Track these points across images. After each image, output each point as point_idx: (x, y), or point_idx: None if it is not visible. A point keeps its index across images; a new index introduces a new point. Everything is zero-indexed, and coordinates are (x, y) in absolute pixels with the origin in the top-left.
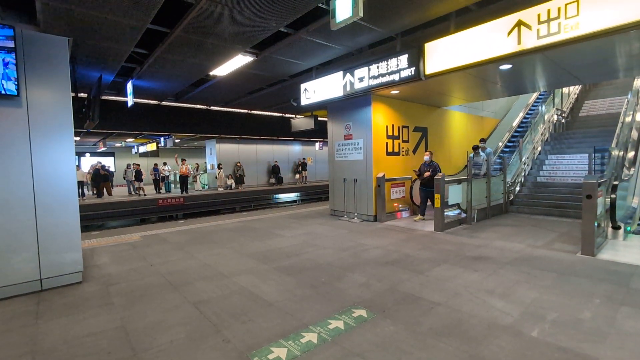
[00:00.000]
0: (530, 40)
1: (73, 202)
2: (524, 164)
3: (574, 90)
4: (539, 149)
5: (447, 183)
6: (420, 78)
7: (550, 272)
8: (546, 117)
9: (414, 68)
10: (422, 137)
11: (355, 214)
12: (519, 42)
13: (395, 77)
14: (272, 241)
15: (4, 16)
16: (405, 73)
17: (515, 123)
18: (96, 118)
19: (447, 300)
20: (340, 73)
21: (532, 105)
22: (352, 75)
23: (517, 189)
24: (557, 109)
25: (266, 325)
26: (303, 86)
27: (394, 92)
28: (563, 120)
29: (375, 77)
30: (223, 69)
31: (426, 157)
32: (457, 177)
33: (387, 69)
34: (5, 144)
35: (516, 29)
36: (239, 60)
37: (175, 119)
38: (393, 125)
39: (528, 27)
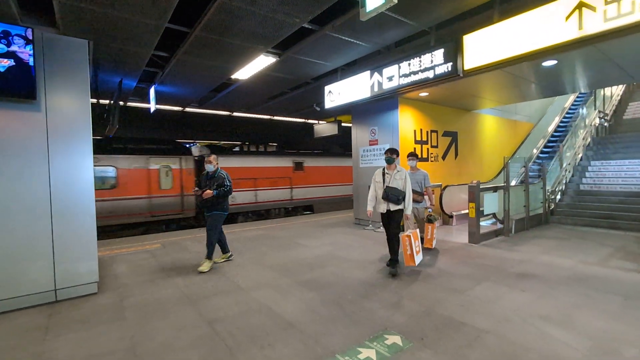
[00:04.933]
0: (594, 24)
1: (90, 209)
2: (565, 170)
3: (616, 91)
4: (580, 154)
5: (482, 191)
6: (458, 74)
7: (613, 294)
8: (587, 120)
9: (450, 64)
10: (451, 142)
11: (381, 224)
12: (580, 27)
13: (429, 74)
14: (294, 251)
15: (23, 19)
16: (441, 69)
17: (550, 128)
18: (116, 123)
19: (495, 327)
20: (367, 73)
21: (569, 109)
22: (380, 74)
23: (558, 197)
24: (600, 112)
25: (287, 352)
26: (327, 88)
27: (423, 94)
28: (606, 124)
29: (406, 76)
30: (245, 72)
31: (209, 166)
32: (493, 185)
33: (420, 66)
34: (23, 148)
35: (576, 12)
36: (261, 62)
37: (198, 125)
38: (421, 130)
39: (591, 8)
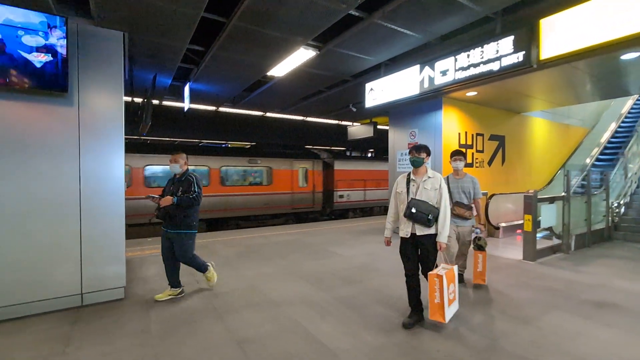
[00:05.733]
0: None
1: (120, 210)
2: (631, 180)
3: None
4: None
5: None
6: (531, 65)
7: None
8: None
9: (522, 53)
10: (498, 146)
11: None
12: None
13: (494, 66)
14: (328, 261)
15: (57, 8)
16: (509, 60)
17: (606, 135)
18: (149, 120)
19: None
20: (416, 67)
21: (627, 115)
22: (432, 68)
23: (622, 211)
24: None
25: None
26: (368, 85)
27: (470, 93)
28: None
29: (463, 69)
30: (282, 68)
31: (174, 166)
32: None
33: (482, 57)
34: (54, 145)
35: None
36: (300, 56)
37: (231, 126)
38: (466, 133)
39: None
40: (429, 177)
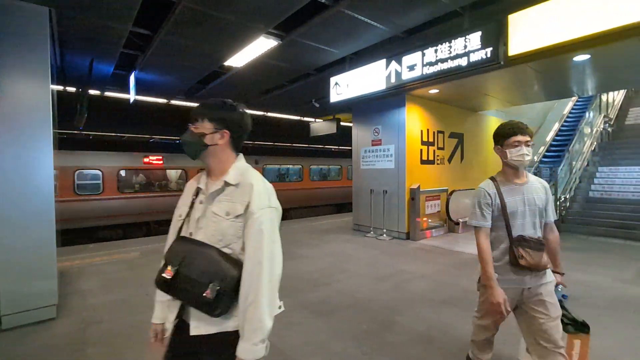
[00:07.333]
0: None
1: (49, 216)
2: (576, 177)
3: (618, 97)
4: (586, 160)
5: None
6: (499, 62)
7: None
8: (593, 124)
9: (490, 49)
10: (458, 144)
11: (384, 231)
12: None
13: (462, 62)
14: (293, 263)
15: None
16: (477, 56)
17: (550, 136)
18: (85, 111)
19: None
20: (383, 62)
21: (568, 116)
22: (399, 63)
23: (567, 204)
24: (605, 116)
25: None
26: (333, 80)
27: (433, 91)
28: (609, 129)
29: (431, 64)
30: (240, 58)
31: None
32: None
33: (450, 53)
34: None
35: None
36: (260, 46)
37: (184, 121)
38: (428, 130)
39: None
40: (229, 186)
